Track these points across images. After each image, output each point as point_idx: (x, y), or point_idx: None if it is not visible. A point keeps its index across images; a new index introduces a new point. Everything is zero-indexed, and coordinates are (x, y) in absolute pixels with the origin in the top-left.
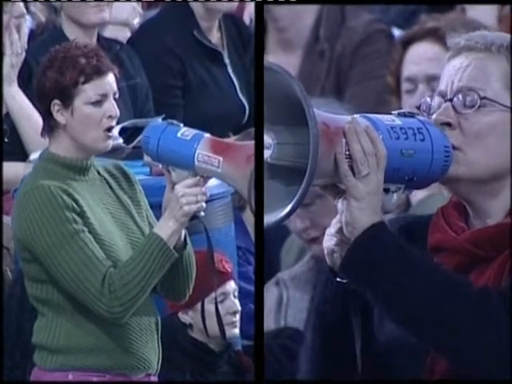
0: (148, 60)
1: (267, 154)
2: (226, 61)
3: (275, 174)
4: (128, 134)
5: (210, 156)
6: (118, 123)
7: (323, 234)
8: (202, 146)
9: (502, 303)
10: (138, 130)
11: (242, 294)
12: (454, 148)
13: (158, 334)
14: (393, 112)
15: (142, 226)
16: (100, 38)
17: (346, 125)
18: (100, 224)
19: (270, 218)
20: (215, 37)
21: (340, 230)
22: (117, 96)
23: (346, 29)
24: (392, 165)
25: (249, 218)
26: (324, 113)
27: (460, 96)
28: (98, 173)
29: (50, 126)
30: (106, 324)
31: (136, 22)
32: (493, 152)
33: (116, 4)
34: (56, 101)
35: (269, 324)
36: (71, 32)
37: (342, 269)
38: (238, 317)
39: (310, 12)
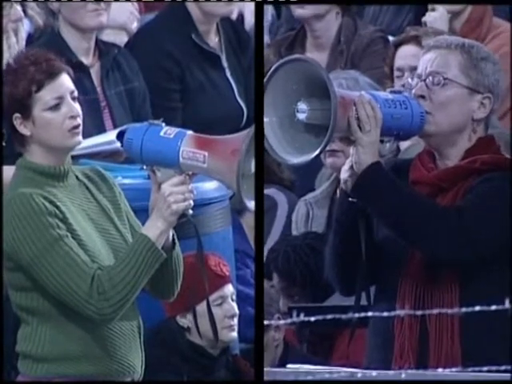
0: (146, 63)
1: (303, 116)
2: (224, 64)
3: (309, 130)
4: None
5: (194, 152)
6: (115, 127)
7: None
8: (185, 143)
9: (456, 214)
10: None
11: (240, 297)
12: (427, 113)
13: (140, 338)
14: (387, 89)
15: (122, 231)
16: (98, 42)
17: (356, 98)
18: (82, 230)
19: (305, 158)
20: (213, 40)
21: (351, 167)
22: (75, 94)
23: (358, 35)
24: (385, 124)
25: (247, 221)
26: (341, 90)
27: (430, 77)
28: (77, 178)
29: (18, 140)
30: (90, 331)
31: (134, 26)
32: (452, 114)
33: (114, 8)
34: (16, 114)
35: (299, 231)
36: (69, 36)
37: (352, 192)
38: (235, 320)
39: (335, 25)
